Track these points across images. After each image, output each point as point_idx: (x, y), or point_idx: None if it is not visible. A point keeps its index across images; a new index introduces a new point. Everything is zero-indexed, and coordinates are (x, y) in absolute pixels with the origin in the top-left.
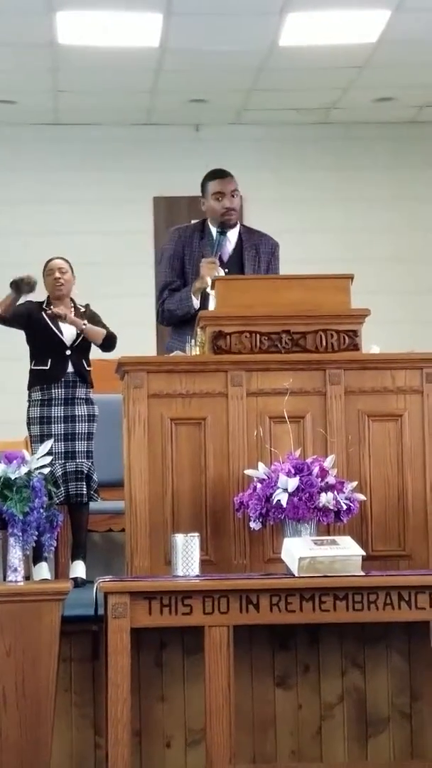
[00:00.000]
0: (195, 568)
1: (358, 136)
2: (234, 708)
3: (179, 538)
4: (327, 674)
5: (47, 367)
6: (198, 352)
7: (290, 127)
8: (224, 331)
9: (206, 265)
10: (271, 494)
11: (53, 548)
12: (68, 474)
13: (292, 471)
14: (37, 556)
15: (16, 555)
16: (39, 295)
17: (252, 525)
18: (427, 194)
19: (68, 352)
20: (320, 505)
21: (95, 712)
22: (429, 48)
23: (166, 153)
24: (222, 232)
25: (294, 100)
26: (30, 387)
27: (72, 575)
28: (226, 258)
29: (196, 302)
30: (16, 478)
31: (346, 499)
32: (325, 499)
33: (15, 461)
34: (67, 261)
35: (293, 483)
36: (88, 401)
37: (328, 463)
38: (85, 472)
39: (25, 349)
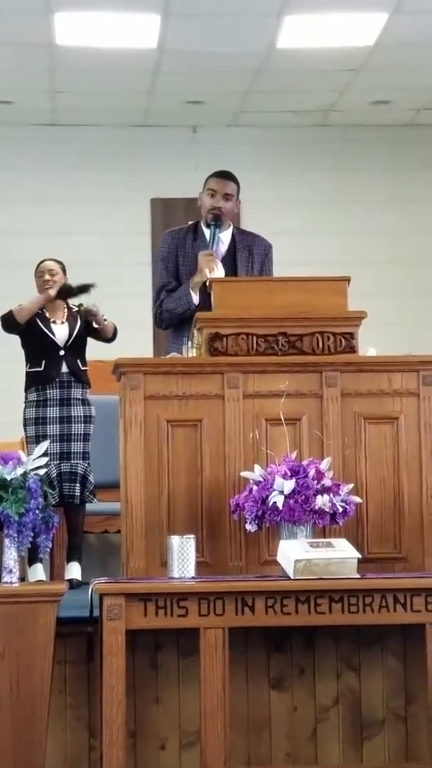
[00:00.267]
0: (191, 570)
1: (355, 138)
2: (229, 710)
3: (175, 540)
4: (322, 676)
5: (42, 369)
6: (194, 354)
7: (288, 129)
8: (221, 333)
9: (204, 258)
10: (267, 496)
11: (48, 549)
12: (63, 475)
13: (288, 473)
14: (32, 557)
15: (11, 556)
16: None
17: (248, 527)
18: (425, 197)
19: (62, 353)
20: (316, 507)
21: (90, 713)
22: (426, 51)
23: (164, 154)
24: (216, 225)
25: (291, 102)
26: (26, 389)
27: (67, 577)
28: (219, 259)
29: (195, 297)
30: (11, 479)
31: (341, 501)
32: (321, 501)
33: (11, 462)
34: (59, 262)
35: (289, 485)
36: (85, 402)
37: (324, 465)
38: (81, 473)
39: (20, 351)
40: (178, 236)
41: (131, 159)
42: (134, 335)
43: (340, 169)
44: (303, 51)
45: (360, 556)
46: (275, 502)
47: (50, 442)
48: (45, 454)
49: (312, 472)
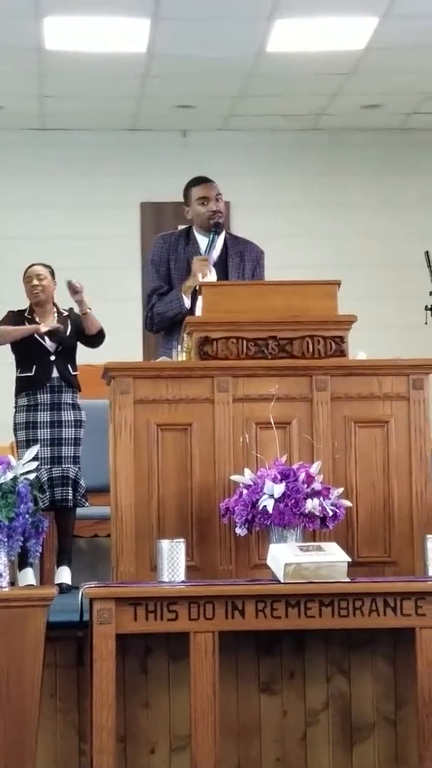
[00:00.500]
0: (180, 574)
1: (345, 142)
2: (219, 714)
3: (165, 544)
4: (312, 680)
5: (32, 374)
6: (184, 358)
7: (278, 133)
8: (211, 337)
9: (198, 263)
10: (257, 500)
11: (38, 554)
12: (54, 479)
13: (278, 477)
14: (22, 561)
15: (1, 561)
16: (21, 303)
17: (238, 531)
18: (415, 200)
19: (52, 358)
20: (306, 511)
21: (80, 718)
22: (416, 55)
23: (153, 159)
24: (216, 232)
25: (282, 106)
26: (17, 394)
27: (57, 581)
28: (212, 264)
29: (187, 301)
30: (1, 484)
31: (332, 505)
32: (311, 505)
33: (1, 467)
34: (47, 267)
35: (279, 489)
36: (75, 406)
37: (314, 469)
38: (72, 477)
39: (10, 355)
40: (170, 240)
41: (121, 163)
42: (124, 339)
43: (331, 172)
44: (293, 55)
45: (350, 559)
46: (265, 506)
47: (41, 447)
48: (35, 459)
49: (302, 476)
